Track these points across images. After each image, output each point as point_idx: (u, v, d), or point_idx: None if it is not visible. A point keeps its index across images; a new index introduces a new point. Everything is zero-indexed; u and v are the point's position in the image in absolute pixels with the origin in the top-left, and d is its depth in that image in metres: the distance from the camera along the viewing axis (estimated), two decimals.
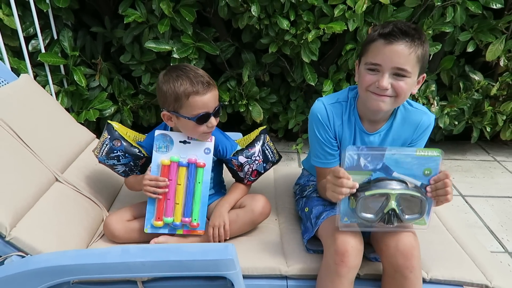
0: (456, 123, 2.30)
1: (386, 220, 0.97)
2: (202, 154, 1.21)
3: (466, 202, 1.98)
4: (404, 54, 0.98)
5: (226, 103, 2.15)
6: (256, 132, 1.38)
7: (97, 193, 1.37)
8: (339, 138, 1.18)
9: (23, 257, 1.01)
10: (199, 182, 1.21)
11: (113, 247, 1.01)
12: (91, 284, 1.07)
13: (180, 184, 1.21)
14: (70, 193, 1.28)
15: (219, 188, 1.38)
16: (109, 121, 1.29)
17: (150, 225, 1.21)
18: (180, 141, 1.20)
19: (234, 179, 1.36)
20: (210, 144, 1.21)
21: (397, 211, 0.95)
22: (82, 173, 1.38)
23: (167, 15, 1.93)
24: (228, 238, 1.21)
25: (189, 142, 1.20)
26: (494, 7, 1.99)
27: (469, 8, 1.96)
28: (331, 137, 1.16)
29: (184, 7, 1.97)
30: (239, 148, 1.31)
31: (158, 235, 1.21)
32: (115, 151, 1.24)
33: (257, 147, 1.32)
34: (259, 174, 1.32)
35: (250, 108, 2.19)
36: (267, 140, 1.35)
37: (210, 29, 2.12)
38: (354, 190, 0.94)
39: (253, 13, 1.88)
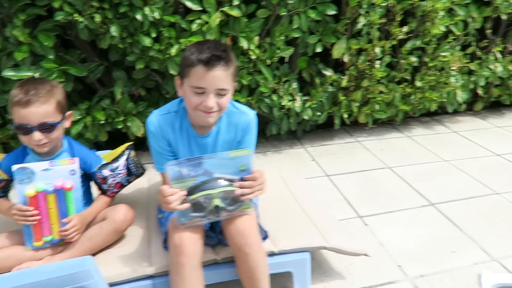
0: (319, 113, 2.65)
1: (215, 214, 1.15)
2: (68, 176, 1.27)
3: (331, 180, 2.31)
4: (223, 77, 1.16)
5: (102, 122, 2.17)
6: (122, 147, 1.48)
7: None
8: (175, 145, 1.32)
9: None
10: (70, 203, 1.28)
11: None
12: None
13: (51, 208, 1.26)
14: None
15: (89, 201, 1.45)
16: None
17: (31, 246, 1.26)
18: (42, 170, 1.23)
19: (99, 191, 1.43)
20: (74, 165, 1.27)
21: (221, 205, 1.14)
22: None
23: (23, 41, 1.90)
24: (77, 238, 1.27)
25: (52, 169, 1.24)
26: (330, 13, 2.34)
27: (310, 15, 2.29)
28: (165, 145, 1.31)
29: (42, 32, 1.95)
30: (103, 162, 1.39)
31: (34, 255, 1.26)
32: None
33: (121, 161, 1.43)
34: (122, 186, 1.43)
35: (129, 124, 2.24)
36: (131, 155, 1.47)
37: (75, 51, 2.12)
38: (184, 197, 1.11)
39: (114, 33, 1.95)
